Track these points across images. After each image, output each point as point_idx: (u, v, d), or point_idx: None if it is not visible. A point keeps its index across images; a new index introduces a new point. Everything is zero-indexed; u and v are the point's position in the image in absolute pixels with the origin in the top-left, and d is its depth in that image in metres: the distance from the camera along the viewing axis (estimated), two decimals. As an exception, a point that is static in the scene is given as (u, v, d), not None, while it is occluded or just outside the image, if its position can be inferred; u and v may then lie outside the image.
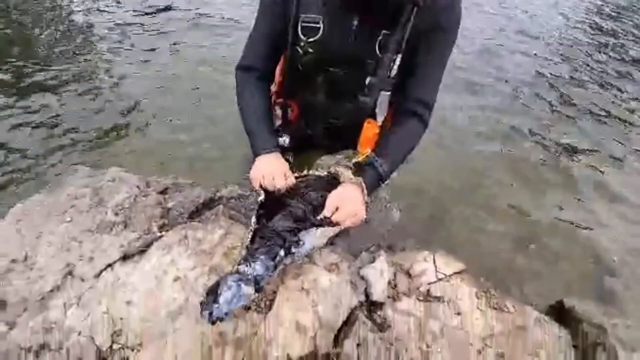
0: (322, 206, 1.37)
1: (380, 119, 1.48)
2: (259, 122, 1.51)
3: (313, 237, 1.34)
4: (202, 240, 1.42)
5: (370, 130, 1.50)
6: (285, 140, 1.64)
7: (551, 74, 4.61)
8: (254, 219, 1.35)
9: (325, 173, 1.51)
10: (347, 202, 1.36)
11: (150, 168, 2.51)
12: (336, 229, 1.37)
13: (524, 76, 4.46)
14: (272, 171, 1.43)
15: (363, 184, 1.40)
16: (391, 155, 1.45)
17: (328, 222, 1.33)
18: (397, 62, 1.36)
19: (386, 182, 1.48)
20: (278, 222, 1.36)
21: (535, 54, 5.06)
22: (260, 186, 1.42)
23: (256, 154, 1.49)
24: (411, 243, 1.61)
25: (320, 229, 1.34)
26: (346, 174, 1.46)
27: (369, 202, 1.42)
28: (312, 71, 1.51)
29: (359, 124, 1.52)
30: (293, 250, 1.29)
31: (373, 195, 1.52)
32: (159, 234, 1.43)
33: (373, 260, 1.47)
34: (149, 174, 1.68)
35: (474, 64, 4.52)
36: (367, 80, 1.39)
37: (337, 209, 1.35)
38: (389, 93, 1.42)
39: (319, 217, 1.35)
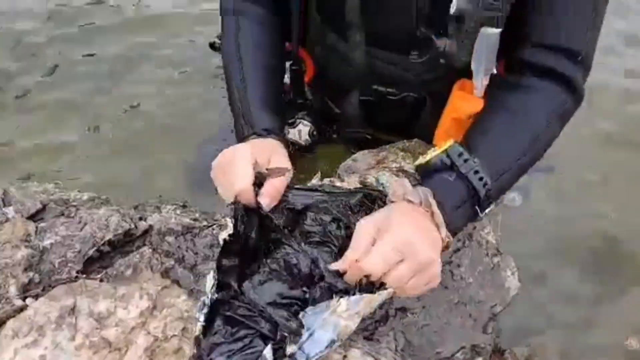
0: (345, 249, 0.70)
1: (481, 81, 0.74)
2: (257, 86, 0.86)
3: (332, 321, 0.63)
4: (106, 318, 0.70)
5: (463, 102, 0.79)
6: (301, 131, 1.00)
7: None
8: (210, 280, 0.66)
9: (357, 185, 0.79)
10: (396, 237, 0.65)
11: (11, 171, 1.45)
12: (377, 299, 0.66)
13: None
14: (257, 156, 0.74)
15: (432, 203, 0.68)
16: (499, 153, 0.74)
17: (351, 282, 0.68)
18: None
19: (487, 210, 0.76)
20: (259, 289, 0.69)
21: None
22: (235, 202, 0.71)
23: (241, 139, 0.82)
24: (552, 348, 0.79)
25: (347, 301, 0.63)
26: (400, 184, 0.74)
27: (449, 245, 0.70)
28: None
29: (431, 94, 0.84)
30: (289, 348, 0.61)
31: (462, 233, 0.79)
32: (18, 304, 0.71)
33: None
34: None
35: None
36: (453, 3, 0.69)
37: (371, 249, 0.66)
38: (498, 31, 0.70)
39: (335, 268, 0.69)
